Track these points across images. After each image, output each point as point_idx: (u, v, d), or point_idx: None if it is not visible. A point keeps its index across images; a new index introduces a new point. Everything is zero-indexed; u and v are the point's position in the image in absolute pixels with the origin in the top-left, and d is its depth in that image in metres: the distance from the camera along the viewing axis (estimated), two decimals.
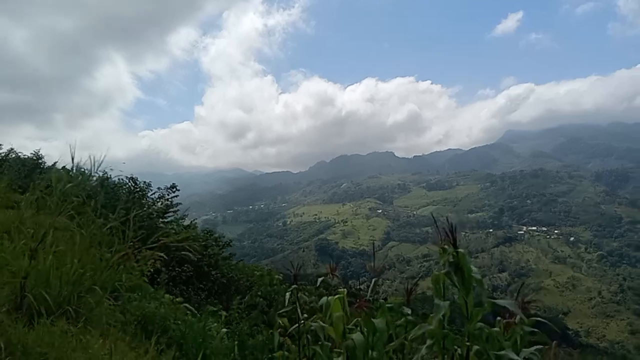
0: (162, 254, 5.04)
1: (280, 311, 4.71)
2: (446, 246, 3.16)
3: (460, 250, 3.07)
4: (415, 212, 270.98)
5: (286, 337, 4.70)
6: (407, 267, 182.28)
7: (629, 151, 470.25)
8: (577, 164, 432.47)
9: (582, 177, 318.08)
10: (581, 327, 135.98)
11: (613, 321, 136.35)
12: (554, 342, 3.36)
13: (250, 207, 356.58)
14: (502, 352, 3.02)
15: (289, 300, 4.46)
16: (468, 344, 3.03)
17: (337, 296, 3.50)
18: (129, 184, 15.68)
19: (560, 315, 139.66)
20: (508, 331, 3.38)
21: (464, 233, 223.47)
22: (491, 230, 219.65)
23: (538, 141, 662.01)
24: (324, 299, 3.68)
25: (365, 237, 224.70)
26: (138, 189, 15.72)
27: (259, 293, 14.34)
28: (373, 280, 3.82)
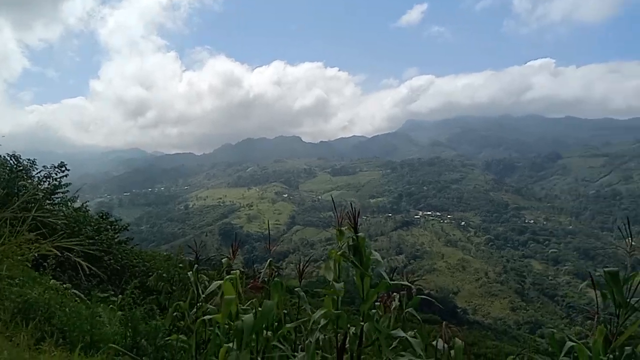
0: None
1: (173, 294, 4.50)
2: (344, 229, 3.26)
3: (360, 234, 3.14)
4: (320, 197, 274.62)
5: (185, 321, 4.55)
6: (311, 251, 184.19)
7: (516, 142, 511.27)
8: (469, 153, 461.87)
9: (474, 165, 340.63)
10: (469, 306, 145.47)
11: (497, 299, 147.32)
12: (444, 322, 3.56)
13: (150, 189, 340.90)
14: (394, 331, 3.17)
15: (191, 282, 4.39)
16: (362, 323, 3.11)
17: (228, 277, 3.50)
18: (11, 161, 14.41)
19: (450, 295, 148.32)
20: (388, 310, 3.57)
21: (365, 217, 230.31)
22: (390, 214, 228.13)
23: (436, 131, 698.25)
24: (215, 282, 3.70)
25: (270, 221, 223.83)
26: (21, 168, 14.39)
27: (164, 276, 13.16)
28: (268, 260, 3.66)
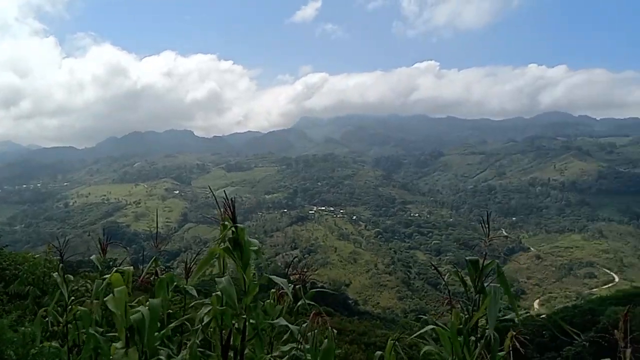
0: None
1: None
2: (226, 222, 3.18)
3: (240, 225, 3.10)
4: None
5: (59, 326, 4.31)
6: (205, 249, 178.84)
7: (403, 141, 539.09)
8: (360, 150, 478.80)
9: (364, 162, 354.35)
10: (360, 297, 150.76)
11: (386, 290, 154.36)
12: (316, 312, 3.43)
13: (25, 186, 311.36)
14: (275, 321, 3.21)
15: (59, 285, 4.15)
16: (244, 317, 3.06)
17: (117, 269, 3.35)
18: None
19: (343, 287, 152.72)
20: (281, 302, 3.55)
21: (260, 213, 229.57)
22: (286, 210, 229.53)
23: (329, 128, 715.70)
24: (98, 281, 3.51)
25: (160, 219, 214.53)
26: None
27: (29, 279, 11.89)
28: (153, 257, 3.59)
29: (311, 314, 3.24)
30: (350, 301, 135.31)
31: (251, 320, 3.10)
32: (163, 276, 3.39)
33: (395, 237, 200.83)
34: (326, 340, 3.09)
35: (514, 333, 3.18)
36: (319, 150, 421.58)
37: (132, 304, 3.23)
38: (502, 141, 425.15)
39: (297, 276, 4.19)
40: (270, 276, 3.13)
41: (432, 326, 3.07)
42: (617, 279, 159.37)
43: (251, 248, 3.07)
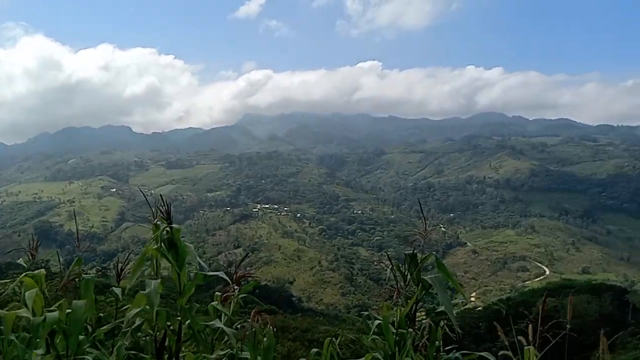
0: None
1: None
2: (160, 222, 3.11)
3: (175, 225, 3.03)
4: (153, 191, 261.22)
5: None
6: (143, 249, 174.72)
7: (346, 139, 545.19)
8: (305, 148, 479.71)
9: (309, 160, 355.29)
10: (304, 294, 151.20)
11: (329, 286, 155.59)
12: (256, 310, 3.44)
13: None
14: (211, 322, 3.11)
15: None
16: (179, 318, 2.99)
17: (27, 272, 3.08)
18: None
19: (287, 285, 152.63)
20: (226, 302, 3.50)
21: (202, 211, 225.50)
22: (229, 208, 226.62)
23: (274, 125, 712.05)
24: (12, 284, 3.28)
25: (96, 218, 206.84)
26: None
27: None
28: (76, 258, 3.44)
29: (252, 313, 3.19)
30: (294, 298, 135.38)
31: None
32: (89, 277, 3.21)
33: (339, 234, 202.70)
34: (266, 339, 3.04)
35: (443, 323, 3.13)
36: (263, 148, 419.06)
37: (52, 307, 3.00)
38: (441, 140, 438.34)
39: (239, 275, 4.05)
40: (208, 272, 3.04)
41: (378, 321, 3.06)
42: (547, 272, 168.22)
43: (186, 249, 2.96)
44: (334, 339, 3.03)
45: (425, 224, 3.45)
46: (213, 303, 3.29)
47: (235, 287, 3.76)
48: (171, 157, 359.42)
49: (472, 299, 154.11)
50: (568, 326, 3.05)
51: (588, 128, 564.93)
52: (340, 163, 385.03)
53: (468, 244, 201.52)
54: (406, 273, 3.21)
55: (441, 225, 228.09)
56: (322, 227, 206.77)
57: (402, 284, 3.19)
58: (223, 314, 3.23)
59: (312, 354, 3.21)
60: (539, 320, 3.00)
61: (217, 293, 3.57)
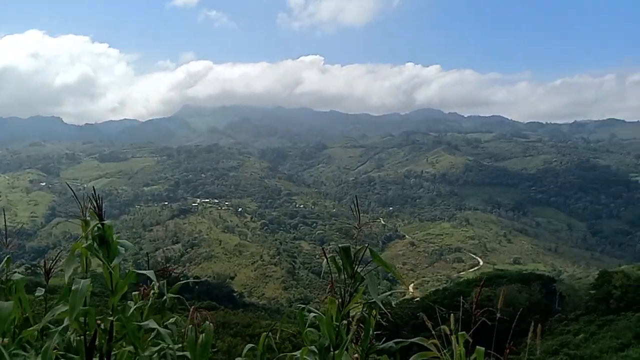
0: None
1: None
2: (90, 218, 3.04)
3: (107, 222, 2.95)
4: (85, 185, 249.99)
5: None
6: (72, 246, 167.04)
7: (288, 133, 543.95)
8: (246, 141, 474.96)
9: (250, 153, 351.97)
10: (245, 289, 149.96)
11: (271, 280, 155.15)
12: (194, 306, 3.28)
13: None
14: (144, 322, 3.02)
15: None
16: (111, 318, 2.91)
17: None
18: None
19: (228, 280, 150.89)
20: (145, 299, 3.41)
21: (139, 206, 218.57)
22: (167, 202, 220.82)
23: (214, 118, 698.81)
24: None
25: (24, 213, 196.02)
26: None
27: None
28: (6, 257, 3.37)
29: (191, 310, 3.06)
30: (235, 294, 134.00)
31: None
32: (19, 278, 3.07)
33: (281, 228, 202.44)
34: (203, 335, 2.94)
35: (376, 313, 3.09)
36: (203, 141, 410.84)
37: None
38: (380, 135, 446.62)
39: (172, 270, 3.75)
40: (139, 271, 2.96)
41: (314, 314, 3.05)
42: (481, 263, 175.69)
43: (118, 246, 2.90)
44: (270, 333, 3.07)
45: (359, 217, 3.36)
46: (129, 302, 3.14)
47: (162, 284, 3.56)
48: (105, 149, 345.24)
49: (411, 289, 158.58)
50: (497, 315, 3.23)
51: (519, 125, 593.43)
52: (282, 157, 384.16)
53: (406, 236, 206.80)
54: (342, 266, 3.11)
55: (381, 219, 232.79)
56: (264, 221, 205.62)
57: (340, 277, 3.13)
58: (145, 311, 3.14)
59: (246, 349, 3.13)
60: (474, 307, 3.15)
61: (134, 293, 3.44)
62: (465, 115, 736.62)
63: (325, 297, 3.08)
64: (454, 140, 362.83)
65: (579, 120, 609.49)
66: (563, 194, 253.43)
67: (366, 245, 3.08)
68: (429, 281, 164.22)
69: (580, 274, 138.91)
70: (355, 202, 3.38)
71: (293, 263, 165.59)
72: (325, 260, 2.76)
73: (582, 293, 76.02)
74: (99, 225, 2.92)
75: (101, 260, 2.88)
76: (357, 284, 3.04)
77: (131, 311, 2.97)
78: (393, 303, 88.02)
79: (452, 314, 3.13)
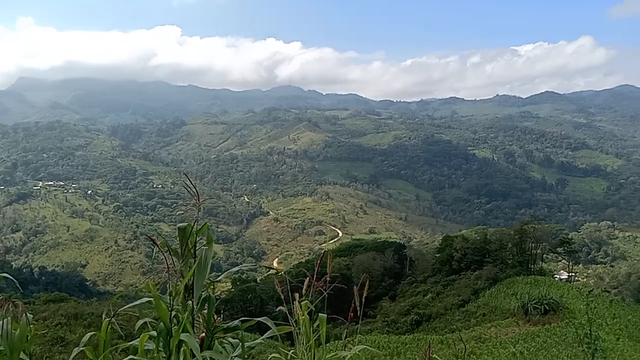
0: None
1: None
2: None
3: None
4: None
5: None
6: None
7: (143, 108, 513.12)
8: (94, 117, 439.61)
9: (100, 131, 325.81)
10: (99, 277, 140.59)
11: (128, 266, 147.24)
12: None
13: None
14: None
15: None
16: None
17: None
18: None
19: (79, 269, 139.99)
20: None
21: None
22: (3, 187, 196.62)
23: (56, 92, 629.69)
24: None
25: None
26: None
27: None
28: None
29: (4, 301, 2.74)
30: (87, 282, 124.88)
31: None
32: None
33: (138, 211, 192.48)
34: (18, 331, 2.65)
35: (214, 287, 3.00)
36: (43, 117, 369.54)
37: None
38: (242, 112, 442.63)
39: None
40: None
41: (147, 299, 2.91)
42: (341, 234, 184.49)
43: None
44: (113, 319, 2.96)
45: (198, 194, 3.16)
46: None
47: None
48: None
49: (275, 264, 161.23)
50: (334, 282, 3.28)
51: (372, 103, 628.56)
52: (137, 134, 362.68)
53: (270, 212, 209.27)
54: (182, 248, 3.04)
55: (245, 196, 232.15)
56: (117, 204, 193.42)
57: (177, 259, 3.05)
58: None
59: (87, 337, 2.93)
60: (314, 277, 3.27)
61: None
62: (324, 93, 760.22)
63: (150, 282, 2.99)
64: (314, 117, 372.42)
65: (425, 98, 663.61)
66: (412, 167, 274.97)
67: (206, 223, 3.05)
68: (292, 255, 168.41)
69: (427, 240, 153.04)
70: (189, 181, 3.12)
71: (152, 247, 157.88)
72: (155, 246, 2.97)
73: (429, 257, 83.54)
74: None
75: None
76: (186, 261, 2.97)
77: None
78: (258, 279, 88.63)
79: (302, 285, 3.20)
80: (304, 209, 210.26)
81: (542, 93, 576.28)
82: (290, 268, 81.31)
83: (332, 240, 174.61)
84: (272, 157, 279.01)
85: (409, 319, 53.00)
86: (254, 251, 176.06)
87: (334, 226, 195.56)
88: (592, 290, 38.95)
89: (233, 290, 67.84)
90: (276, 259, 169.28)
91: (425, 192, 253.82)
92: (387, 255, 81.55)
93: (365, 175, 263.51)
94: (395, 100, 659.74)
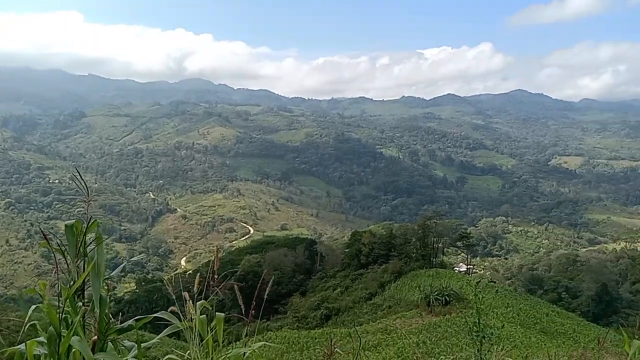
0: None
1: None
2: None
3: None
4: None
5: None
6: None
7: (38, 98, 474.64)
8: None
9: None
10: None
11: (21, 267, 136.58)
12: None
13: None
14: None
15: None
16: None
17: None
18: None
19: None
20: None
21: None
22: None
23: None
24: None
25: None
26: None
27: None
28: None
29: None
30: None
31: None
32: None
33: (32, 208, 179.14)
34: None
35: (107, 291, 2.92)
36: None
37: None
38: (148, 104, 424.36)
39: None
40: None
41: (35, 305, 2.76)
42: (252, 231, 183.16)
43: None
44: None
45: (87, 189, 2.97)
46: None
47: None
48: None
49: (183, 263, 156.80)
50: (225, 280, 3.25)
51: (284, 99, 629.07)
52: (31, 125, 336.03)
53: (178, 209, 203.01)
54: (71, 247, 2.90)
55: (150, 193, 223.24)
56: (9, 200, 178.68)
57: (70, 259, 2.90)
58: None
59: None
60: (212, 275, 3.22)
61: None
62: (235, 88, 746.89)
63: (42, 283, 2.89)
64: (225, 112, 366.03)
65: (336, 97, 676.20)
66: (323, 164, 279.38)
67: (97, 221, 2.90)
68: (201, 253, 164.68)
69: (337, 235, 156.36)
70: (79, 175, 2.98)
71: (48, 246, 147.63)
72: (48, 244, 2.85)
73: (338, 252, 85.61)
74: None
75: None
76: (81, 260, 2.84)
77: None
78: (165, 278, 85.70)
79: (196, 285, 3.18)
80: (214, 206, 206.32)
81: (444, 95, 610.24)
82: (199, 267, 79.57)
83: (244, 238, 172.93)
84: (180, 152, 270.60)
85: (319, 314, 54.04)
86: (160, 250, 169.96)
87: (245, 223, 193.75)
88: (479, 282, 42.17)
89: (138, 290, 65.28)
90: (184, 258, 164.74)
91: (335, 189, 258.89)
92: (299, 251, 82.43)
93: (277, 172, 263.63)
94: (306, 98, 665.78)
